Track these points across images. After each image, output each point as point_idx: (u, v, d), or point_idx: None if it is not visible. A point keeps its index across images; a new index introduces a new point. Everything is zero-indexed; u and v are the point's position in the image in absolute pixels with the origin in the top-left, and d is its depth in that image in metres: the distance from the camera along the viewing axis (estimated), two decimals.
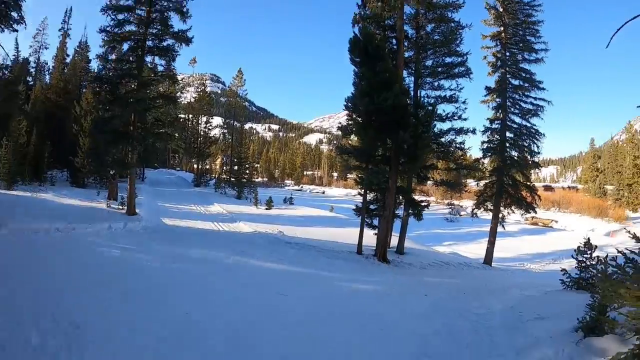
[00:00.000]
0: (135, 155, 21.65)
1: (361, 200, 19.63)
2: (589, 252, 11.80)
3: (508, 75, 25.59)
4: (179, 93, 55.18)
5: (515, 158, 25.64)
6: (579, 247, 13.73)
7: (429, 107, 18.34)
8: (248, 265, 13.14)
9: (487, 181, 26.82)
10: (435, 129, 20.43)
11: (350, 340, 7.19)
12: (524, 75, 25.37)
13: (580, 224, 58.40)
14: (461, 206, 60.92)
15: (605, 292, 5.64)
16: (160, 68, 23.62)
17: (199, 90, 58.39)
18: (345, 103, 18.27)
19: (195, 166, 57.51)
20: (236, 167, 45.12)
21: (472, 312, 9.87)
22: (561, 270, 12.17)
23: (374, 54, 16.95)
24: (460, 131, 20.66)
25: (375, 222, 20.26)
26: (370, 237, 19.83)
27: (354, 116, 18.25)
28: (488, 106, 25.93)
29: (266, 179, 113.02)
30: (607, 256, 7.44)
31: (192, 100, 57.42)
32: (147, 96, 21.78)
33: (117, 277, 9.28)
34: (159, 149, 40.34)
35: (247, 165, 46.56)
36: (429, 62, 21.81)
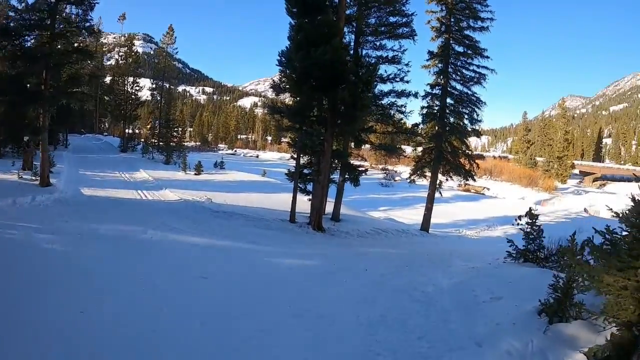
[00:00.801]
0: (47, 119, 18.98)
1: (294, 165, 18.15)
2: (534, 222, 11.62)
3: (452, 41, 24.80)
4: (109, 54, 51.53)
5: (455, 125, 25.22)
6: (521, 216, 13.44)
7: (371, 66, 16.97)
8: (166, 241, 11.12)
9: (425, 147, 26.26)
10: (376, 90, 19.40)
11: (281, 341, 5.86)
12: (467, 42, 24.62)
13: (511, 192, 60.40)
14: (396, 171, 61.02)
15: (581, 277, 5.39)
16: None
17: (125, 47, 54.16)
18: (279, 58, 16.39)
19: (123, 131, 53.53)
20: (164, 130, 42.81)
21: (419, 289, 8.98)
22: (508, 242, 11.95)
23: (312, 3, 15.48)
24: (401, 93, 19.87)
25: (310, 187, 19.06)
26: (304, 203, 18.73)
27: (288, 72, 16.37)
28: (429, 71, 25.11)
29: (199, 144, 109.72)
30: (574, 234, 6.55)
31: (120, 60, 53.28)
32: (59, 50, 18.96)
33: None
34: (75, 110, 37.91)
35: (176, 128, 44.10)
36: (372, 20, 20.62)
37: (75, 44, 20.71)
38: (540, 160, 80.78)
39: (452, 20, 24.52)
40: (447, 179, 26.43)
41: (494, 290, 8.07)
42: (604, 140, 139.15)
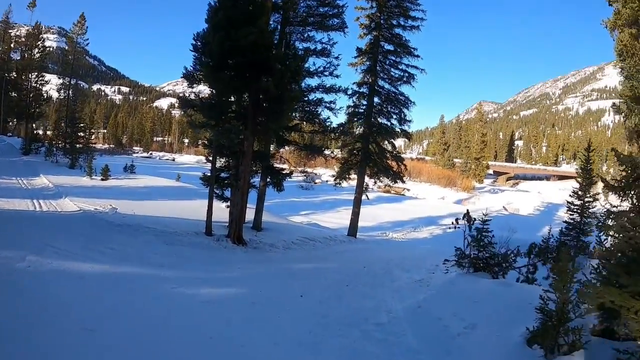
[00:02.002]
0: None
1: (210, 168, 15.79)
2: (485, 228, 11.12)
3: (381, 39, 23.79)
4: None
5: (383, 125, 24.16)
6: (458, 219, 13.83)
7: (300, 53, 15.08)
8: (46, 272, 7.79)
9: (351, 148, 24.96)
10: (303, 85, 17.74)
11: None
12: (397, 40, 23.72)
13: (431, 193, 61.68)
14: (316, 174, 60.11)
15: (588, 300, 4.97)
16: None
17: (30, 39, 48.81)
18: (194, 42, 13.85)
19: (26, 131, 48.04)
20: (70, 131, 37.86)
21: (371, 321, 7.31)
22: (456, 250, 11.66)
23: None
24: (330, 89, 18.55)
25: (228, 193, 16.86)
26: (222, 211, 16.75)
27: (204, 59, 13.77)
28: (356, 70, 24.03)
29: (113, 146, 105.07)
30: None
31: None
32: None
33: None
34: None
35: (83, 128, 39.72)
36: (300, 10, 19.05)
37: None
38: (458, 162, 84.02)
39: (383, 17, 23.53)
40: (375, 182, 25.29)
41: (463, 316, 7.05)
42: (516, 142, 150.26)
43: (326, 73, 18.27)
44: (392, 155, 24.74)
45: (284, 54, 13.76)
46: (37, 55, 45.63)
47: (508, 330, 5.83)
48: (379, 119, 24.21)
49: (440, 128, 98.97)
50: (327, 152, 21.56)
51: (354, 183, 25.35)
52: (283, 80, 12.96)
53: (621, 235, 15.15)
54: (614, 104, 22.36)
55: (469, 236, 11.98)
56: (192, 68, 14.09)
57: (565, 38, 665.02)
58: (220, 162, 16.65)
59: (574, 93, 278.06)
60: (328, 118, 19.06)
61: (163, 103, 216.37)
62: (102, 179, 28.69)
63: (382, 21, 23.53)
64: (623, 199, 15.92)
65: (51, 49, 43.84)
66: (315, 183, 56.41)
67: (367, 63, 23.80)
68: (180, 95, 14.16)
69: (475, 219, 13.76)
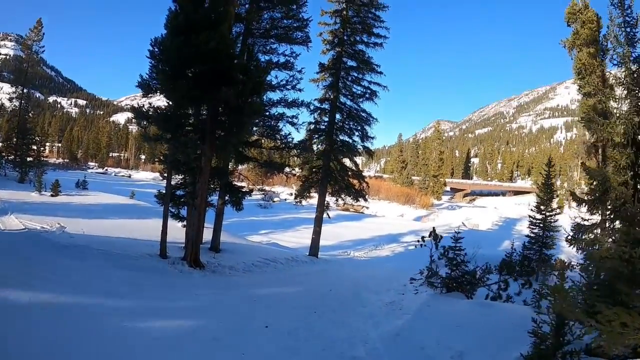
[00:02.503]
0: None
1: (166, 185, 14.65)
2: (458, 246, 11.23)
3: (344, 55, 23.48)
4: None
5: (345, 143, 23.73)
6: (424, 237, 14.51)
7: (263, 65, 14.27)
8: None
9: (312, 166, 24.31)
10: (264, 99, 16.92)
11: None
12: (360, 57, 23.44)
13: (390, 210, 61.82)
14: (274, 192, 59.43)
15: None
16: None
17: None
18: (151, 47, 12.68)
19: None
20: (20, 142, 35.63)
21: (347, 355, 6.63)
22: (427, 270, 11.91)
23: None
24: (292, 103, 17.91)
25: (184, 212, 15.80)
26: (178, 230, 15.76)
27: (161, 67, 12.66)
28: (318, 86, 23.58)
29: (67, 161, 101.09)
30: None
31: None
32: None
33: None
34: None
35: (35, 140, 37.51)
36: (263, 22, 18.35)
37: None
38: (416, 179, 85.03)
39: (346, 34, 23.29)
40: (337, 200, 24.59)
41: (448, 343, 6.66)
42: (472, 160, 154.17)
43: (289, 86, 17.60)
44: (354, 172, 24.33)
45: (246, 64, 12.89)
46: None
47: (499, 356, 5.60)
48: (340, 136, 23.77)
49: (399, 146, 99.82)
50: (287, 169, 20.73)
51: (313, 201, 24.87)
52: (244, 92, 12.08)
53: (595, 247, 14.81)
54: (581, 118, 22.76)
55: (436, 254, 12.00)
56: (147, 76, 12.87)
57: (518, 59, 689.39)
58: (176, 178, 15.71)
59: (527, 112, 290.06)
60: (289, 134, 18.27)
61: (120, 118, 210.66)
62: (52, 195, 27.11)
63: (345, 37, 23.25)
64: (593, 212, 16.01)
65: (8, 56, 41.37)
66: (274, 201, 55.72)
67: (330, 79, 23.40)
68: (135, 105, 12.91)
69: (441, 236, 13.53)
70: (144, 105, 13.09)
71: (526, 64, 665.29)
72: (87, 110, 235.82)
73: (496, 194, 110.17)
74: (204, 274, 12.90)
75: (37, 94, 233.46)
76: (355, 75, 23.67)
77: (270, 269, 15.97)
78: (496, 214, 66.36)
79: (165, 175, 14.47)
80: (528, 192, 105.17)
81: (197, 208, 13.72)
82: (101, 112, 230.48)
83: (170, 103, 13.02)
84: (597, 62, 22.27)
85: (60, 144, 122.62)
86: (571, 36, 23.39)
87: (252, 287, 12.12)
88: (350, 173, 24.08)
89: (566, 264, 24.51)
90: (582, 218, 15.52)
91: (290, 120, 17.88)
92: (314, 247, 23.11)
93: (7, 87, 41.70)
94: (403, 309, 9.85)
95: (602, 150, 23.17)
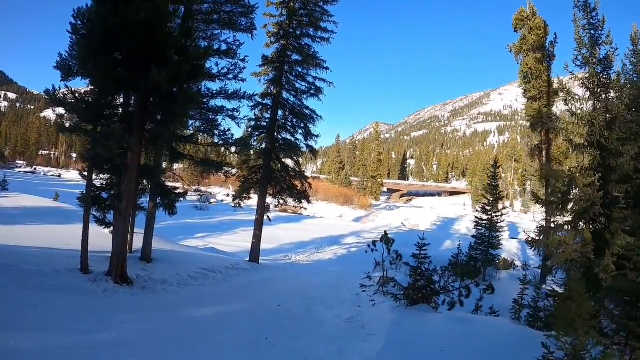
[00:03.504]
0: None
1: (92, 185, 12.43)
2: (422, 253, 10.45)
3: (289, 49, 22.24)
4: None
5: (287, 141, 22.48)
6: (375, 242, 12.91)
7: (204, 43, 12.45)
8: None
9: (252, 165, 22.92)
10: (202, 89, 15.40)
11: None
12: (306, 51, 22.26)
13: (328, 211, 61.48)
14: (210, 193, 57.57)
15: None
16: None
17: None
18: (73, 20, 10.43)
19: None
20: None
21: None
22: (381, 278, 12.26)
23: None
24: (234, 95, 16.21)
25: (110, 217, 13.60)
26: (104, 237, 13.82)
27: (83, 42, 10.32)
28: (260, 80, 22.13)
29: None
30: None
31: None
32: None
33: None
34: None
35: None
36: (205, 6, 16.70)
37: None
38: (354, 180, 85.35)
39: (292, 26, 22.02)
40: (279, 202, 23.19)
41: None
42: (408, 161, 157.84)
43: (230, 76, 15.99)
44: (296, 173, 23.05)
45: (183, 43, 10.80)
46: None
47: None
48: (282, 134, 22.47)
49: (336, 147, 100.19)
50: (225, 169, 19.02)
51: (251, 203, 23.73)
52: (180, 75, 10.21)
53: (560, 250, 14.13)
54: (533, 123, 22.66)
55: (388, 259, 12.11)
56: (67, 54, 10.75)
57: (455, 65, 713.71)
58: (100, 178, 13.68)
59: (461, 116, 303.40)
60: (229, 129, 16.47)
61: (52, 113, 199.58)
62: None
63: (291, 30, 22.00)
64: (557, 213, 15.72)
65: None
66: (211, 203, 53.56)
67: (273, 73, 22.05)
68: (48, 89, 10.68)
69: (393, 240, 12.78)
70: (59, 89, 10.96)
71: (462, 70, 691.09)
72: (18, 105, 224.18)
73: (432, 195, 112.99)
74: (132, 292, 10.85)
75: None
76: (300, 70, 22.48)
77: (209, 281, 14.15)
78: (434, 214, 67.66)
79: (84, 173, 12.26)
80: (463, 193, 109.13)
81: (122, 214, 11.60)
82: (32, 107, 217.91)
83: (93, 87, 10.94)
84: (543, 67, 22.63)
85: None
86: (518, 41, 23.85)
87: (188, 306, 10.24)
88: (292, 173, 22.84)
89: (509, 262, 24.43)
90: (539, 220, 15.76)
91: (231, 113, 16.16)
92: (255, 252, 21.58)
93: None
94: (366, 327, 8.76)
95: (546, 152, 23.32)
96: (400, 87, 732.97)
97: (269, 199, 22.85)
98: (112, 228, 13.19)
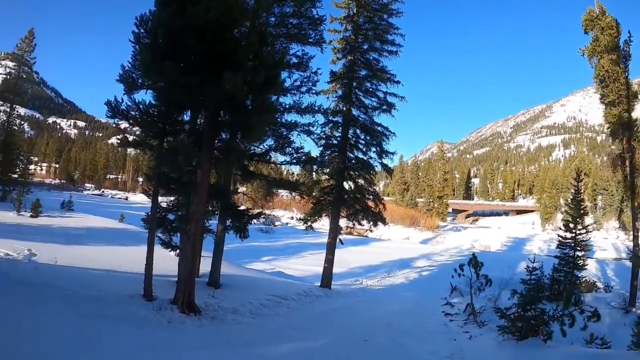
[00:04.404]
0: None
1: (158, 206, 11.73)
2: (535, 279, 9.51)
3: (357, 65, 21.23)
4: None
5: (360, 159, 21.27)
6: (462, 266, 11.64)
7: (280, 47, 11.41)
8: None
9: (324, 186, 21.91)
10: (274, 102, 14.16)
11: None
12: (375, 66, 21.20)
13: (395, 233, 59.91)
14: (275, 216, 56.97)
15: None
16: None
17: None
18: (136, 29, 9.72)
19: None
20: (2, 158, 34.21)
21: None
22: (468, 306, 11.22)
23: None
24: (308, 109, 15.23)
25: (177, 239, 12.88)
26: (170, 260, 13.32)
27: (147, 48, 9.45)
28: (328, 97, 21.20)
29: (64, 181, 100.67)
30: None
31: None
32: None
33: None
34: None
35: (20, 157, 36.36)
36: (272, 19, 15.75)
37: None
38: (420, 201, 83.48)
39: (358, 41, 21.13)
40: (353, 224, 21.94)
41: None
42: (472, 180, 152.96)
43: (303, 89, 15.04)
44: (370, 193, 21.67)
45: (257, 46, 9.58)
46: None
47: None
48: (355, 153, 21.28)
49: (400, 168, 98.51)
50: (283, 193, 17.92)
51: (316, 225, 22.26)
52: (255, 82, 9.03)
53: None
54: (614, 130, 20.48)
55: (476, 283, 11.16)
56: (130, 65, 10.01)
57: (514, 79, 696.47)
58: (166, 199, 13.14)
59: (524, 131, 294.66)
60: (301, 147, 15.45)
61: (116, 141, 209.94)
62: (32, 216, 25.34)
63: (357, 45, 21.07)
64: None
65: (8, 76, 39.57)
66: (276, 226, 53.01)
67: (341, 90, 21.14)
68: (110, 101, 9.86)
69: (482, 263, 11.72)
70: (122, 101, 10.15)
71: (523, 83, 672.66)
72: (86, 132, 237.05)
73: (498, 214, 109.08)
74: (200, 324, 9.69)
75: (37, 115, 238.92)
76: (369, 85, 21.43)
77: (282, 310, 12.93)
78: (503, 234, 65.17)
79: (149, 192, 11.40)
80: (531, 211, 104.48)
81: (190, 237, 10.49)
82: (100, 134, 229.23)
83: (157, 96, 10.04)
84: (620, 69, 20.46)
85: (57, 165, 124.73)
86: (590, 43, 21.66)
87: (265, 342, 8.94)
88: (366, 194, 21.47)
89: (591, 284, 22.18)
90: None
91: (307, 128, 15.26)
92: (327, 277, 20.43)
93: (18, 109, 39.67)
94: None
95: (629, 161, 21.10)
96: (459, 105, 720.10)
97: (341, 221, 21.51)
98: (178, 251, 12.38)
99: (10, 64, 39.73)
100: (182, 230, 11.47)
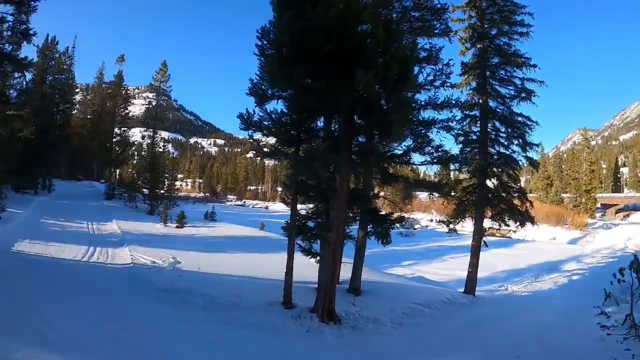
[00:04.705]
0: None
1: (290, 214, 11.73)
2: None
3: (487, 52, 19.61)
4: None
5: (503, 154, 19.51)
6: (622, 269, 9.86)
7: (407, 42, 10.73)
8: None
9: (465, 185, 20.28)
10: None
11: None
12: (506, 51, 19.37)
13: (539, 233, 54.92)
14: (414, 219, 55.63)
15: None
16: None
17: (113, 81, 51.74)
18: (259, 42, 9.68)
19: (110, 176, 50.56)
20: (149, 176, 37.76)
21: None
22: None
23: None
24: (444, 104, 14.29)
25: (317, 246, 12.79)
26: (310, 267, 13.36)
27: (272, 58, 9.49)
28: (462, 91, 19.63)
29: (208, 195, 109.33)
30: None
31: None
32: None
33: None
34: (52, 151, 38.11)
35: (165, 174, 39.40)
36: (394, 15, 14.69)
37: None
38: (565, 197, 76.19)
39: (485, 27, 19.62)
40: (499, 225, 20.05)
41: None
42: (621, 170, 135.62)
43: (437, 83, 14.13)
44: (516, 190, 19.94)
45: (386, 40, 8.89)
46: (120, 98, 49.43)
47: None
48: (496, 147, 19.57)
49: (542, 161, 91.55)
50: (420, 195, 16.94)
51: (457, 227, 20.75)
52: (388, 77, 8.41)
53: None
54: None
55: (638, 291, 9.43)
56: (258, 77, 10.09)
57: None
58: (306, 207, 13.36)
59: None
60: (441, 146, 14.28)
61: (253, 155, 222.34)
62: (178, 227, 27.02)
63: (484, 31, 19.57)
64: None
65: (150, 105, 44.58)
66: (415, 229, 51.33)
67: (475, 81, 19.57)
68: (242, 114, 9.98)
69: None
70: (254, 113, 10.20)
71: None
72: (226, 149, 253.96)
73: None
74: (340, 333, 9.42)
75: (179, 137, 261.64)
76: (503, 73, 19.64)
77: (425, 319, 12.22)
78: None
79: (288, 200, 11.39)
80: None
81: (331, 245, 10.26)
82: (238, 150, 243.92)
83: (288, 104, 9.98)
84: None
85: (201, 180, 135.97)
86: None
87: (409, 355, 8.38)
88: (511, 191, 19.80)
89: None
90: None
91: (446, 124, 14.35)
92: (471, 282, 19.12)
93: (163, 133, 44.19)
94: None
95: None
96: (597, 84, 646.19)
97: (501, 226, 20.13)
98: (318, 258, 12.20)
99: (150, 94, 43.75)
100: (322, 237, 11.35)
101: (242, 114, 9.96)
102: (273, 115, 10.14)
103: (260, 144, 11.06)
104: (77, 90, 56.06)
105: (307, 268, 13.42)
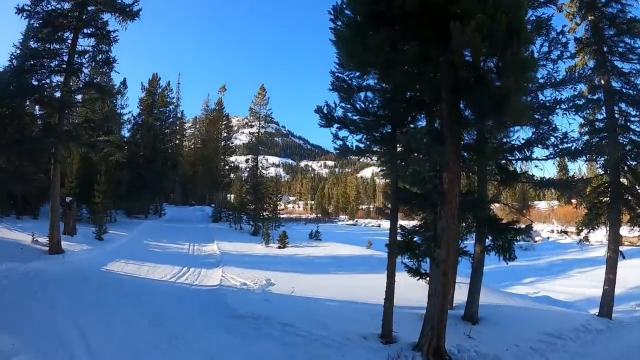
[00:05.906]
0: (57, 172, 16.79)
1: (390, 227, 10.03)
2: None
3: (601, 23, 16.29)
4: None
5: (637, 142, 15.74)
6: None
7: None
8: None
9: (595, 185, 16.73)
10: None
11: None
12: (621, 19, 15.99)
13: None
14: (535, 230, 50.66)
15: None
16: None
17: (215, 108, 57.45)
18: (333, 22, 7.90)
19: (217, 199, 54.62)
20: (252, 199, 39.28)
21: None
22: None
23: None
24: (566, 81, 12.24)
25: (426, 265, 10.66)
26: (417, 288, 11.60)
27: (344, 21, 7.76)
28: (576, 74, 15.34)
29: (319, 215, 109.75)
30: None
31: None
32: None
33: None
34: (166, 179, 41.61)
35: (269, 197, 40.77)
36: None
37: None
38: None
39: None
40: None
41: None
42: None
43: (554, 55, 11.87)
44: None
45: None
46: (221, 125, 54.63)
47: None
48: (629, 135, 15.98)
49: None
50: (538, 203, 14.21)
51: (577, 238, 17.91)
52: (496, 30, 6.07)
53: None
54: None
55: None
56: (337, 67, 8.58)
57: None
58: (412, 221, 11.91)
59: None
60: (565, 134, 11.86)
61: (367, 172, 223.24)
62: (280, 247, 27.34)
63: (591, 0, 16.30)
64: None
65: (259, 134, 45.98)
66: (536, 241, 46.39)
67: (592, 61, 16.27)
68: (320, 107, 8.42)
69: None
70: (335, 106, 8.55)
71: None
72: (336, 170, 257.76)
73: None
74: None
75: (290, 161, 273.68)
76: (623, 46, 16.13)
77: (558, 355, 9.76)
78: None
79: (386, 209, 9.59)
80: None
81: (440, 265, 7.89)
82: (349, 170, 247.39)
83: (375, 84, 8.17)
84: None
85: (313, 202, 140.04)
86: None
87: None
88: None
89: None
90: None
91: (573, 103, 12.33)
92: (607, 303, 15.36)
93: (273, 158, 46.11)
94: None
95: None
96: None
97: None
98: (428, 279, 10.05)
99: (256, 123, 45.05)
100: (430, 256, 9.42)
101: (320, 108, 8.38)
102: (358, 105, 8.39)
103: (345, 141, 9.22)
104: (184, 122, 61.68)
105: (416, 289, 11.74)
